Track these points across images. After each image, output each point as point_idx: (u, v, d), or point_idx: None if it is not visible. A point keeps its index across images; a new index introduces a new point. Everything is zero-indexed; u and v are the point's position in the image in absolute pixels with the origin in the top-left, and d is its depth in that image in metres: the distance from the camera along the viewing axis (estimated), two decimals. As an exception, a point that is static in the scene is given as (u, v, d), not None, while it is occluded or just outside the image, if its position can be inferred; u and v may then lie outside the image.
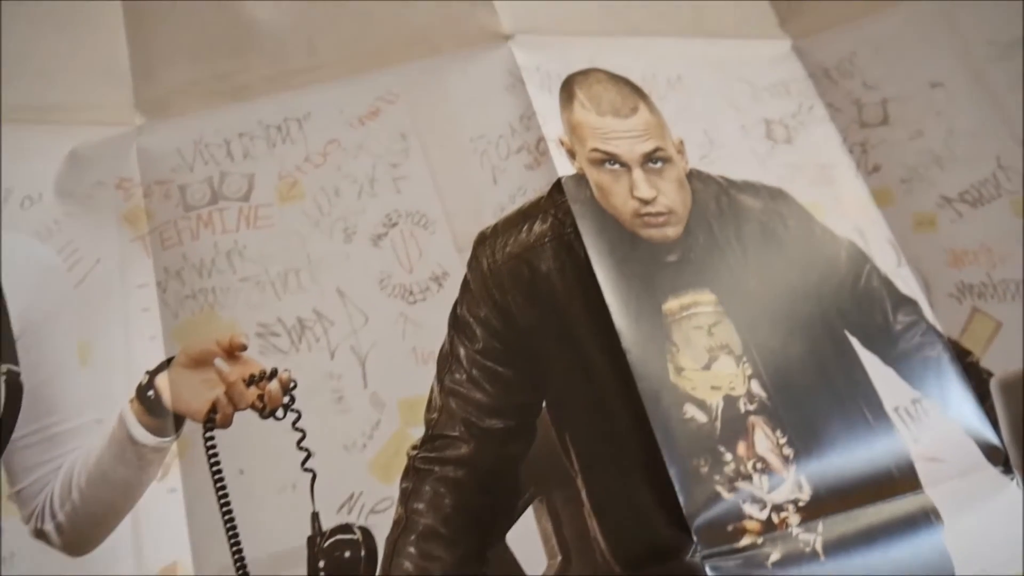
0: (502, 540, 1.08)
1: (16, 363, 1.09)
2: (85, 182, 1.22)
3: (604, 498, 1.08)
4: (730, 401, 1.14)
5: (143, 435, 1.08)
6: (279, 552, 1.04)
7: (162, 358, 1.13)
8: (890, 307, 1.29)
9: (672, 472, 1.06)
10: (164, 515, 1.05)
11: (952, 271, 1.31)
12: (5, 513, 1.02)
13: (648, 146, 1.29)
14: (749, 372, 1.17)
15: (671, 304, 1.19)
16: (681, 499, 1.05)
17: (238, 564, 1.04)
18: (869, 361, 1.24)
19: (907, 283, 1.31)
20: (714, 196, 1.31)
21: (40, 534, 1.06)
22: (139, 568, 1.01)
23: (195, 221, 1.20)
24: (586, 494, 1.09)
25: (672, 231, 1.26)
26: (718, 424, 1.12)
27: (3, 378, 1.07)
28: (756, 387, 1.16)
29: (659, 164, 1.28)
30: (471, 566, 1.06)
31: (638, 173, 1.27)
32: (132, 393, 1.09)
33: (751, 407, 1.14)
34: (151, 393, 1.10)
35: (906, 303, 1.30)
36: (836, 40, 1.49)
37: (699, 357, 1.16)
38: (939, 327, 1.28)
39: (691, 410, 1.12)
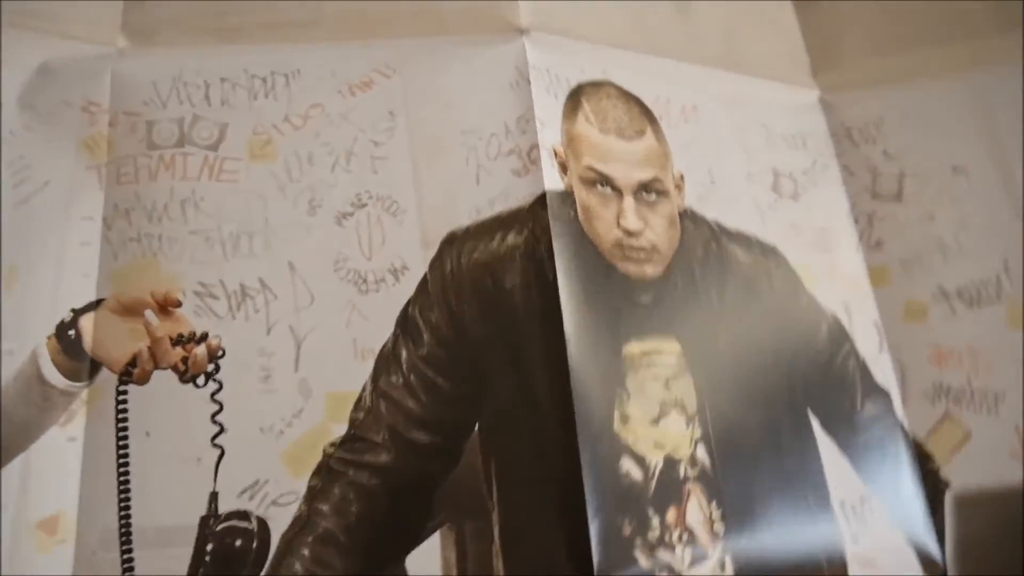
0: (401, 561, 1.04)
1: (-65, 273, 1.04)
2: (51, 98, 1.16)
3: (514, 539, 1.03)
4: (671, 463, 1.10)
5: (54, 375, 1.03)
6: (169, 526, 1.00)
7: (92, 298, 1.09)
8: (860, 394, 1.24)
9: (593, 527, 1.02)
10: (58, 463, 1.01)
11: (932, 368, 1.26)
12: None
13: (646, 174, 1.24)
14: (698, 435, 1.13)
15: (632, 348, 1.15)
16: (595, 556, 1.01)
17: (123, 531, 1.00)
18: (825, 445, 1.20)
19: (884, 371, 1.26)
20: (703, 241, 1.26)
21: (-77, 459, 1.03)
22: (20, 511, 0.98)
23: (156, 161, 1.14)
24: (498, 531, 1.05)
25: (652, 269, 1.21)
26: (653, 484, 1.08)
27: (-83, 286, 1.03)
28: (701, 452, 1.12)
29: (653, 196, 1.23)
30: (364, 582, 1.02)
31: (629, 202, 1.22)
32: (52, 329, 1.05)
33: (691, 473, 1.10)
34: (72, 332, 1.05)
35: (878, 393, 1.25)
36: (866, 101, 1.43)
37: (649, 409, 1.12)
38: (906, 424, 1.24)
39: (628, 465, 1.08)
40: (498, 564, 1.03)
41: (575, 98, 1.28)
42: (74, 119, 1.16)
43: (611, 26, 1.36)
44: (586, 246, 1.17)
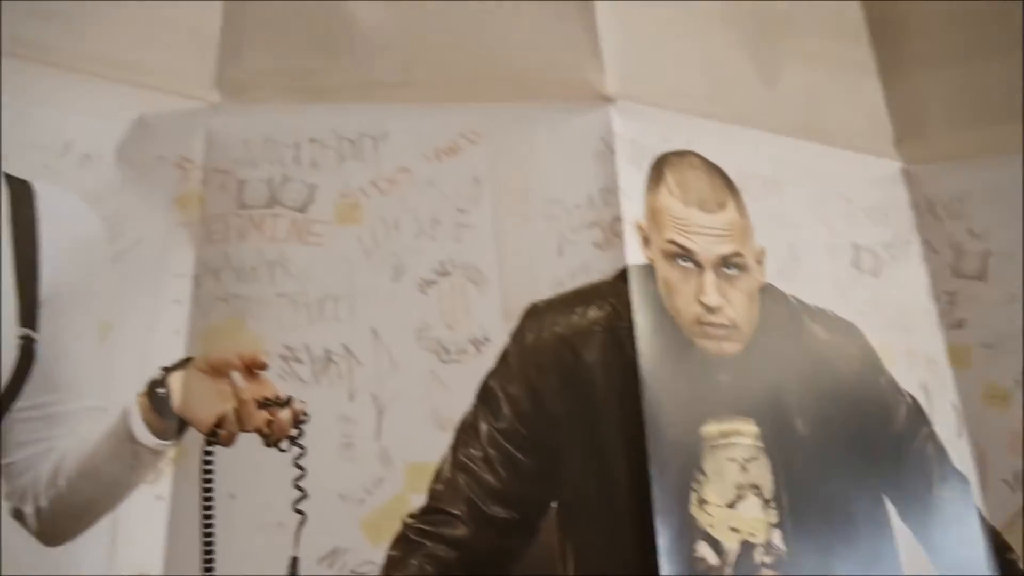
0: (477, 638, 1.05)
1: (35, 329, 1.07)
2: (147, 153, 1.19)
3: (592, 621, 1.05)
4: (747, 548, 1.09)
5: (144, 434, 1.05)
6: (250, 589, 1.02)
7: (181, 356, 1.11)
8: (937, 479, 1.23)
9: (672, 611, 1.03)
10: (146, 521, 1.03)
11: (1012, 458, 1.24)
12: (-14, 485, 1.02)
13: (727, 249, 1.24)
14: (774, 520, 1.12)
15: (711, 428, 1.15)
16: None
17: (206, 592, 1.02)
18: (899, 530, 1.19)
19: (962, 457, 1.24)
20: (783, 318, 1.25)
21: (18, 515, 1.03)
22: (109, 569, 1.00)
23: (247, 221, 1.17)
24: (574, 612, 1.06)
25: (731, 347, 1.20)
26: (728, 570, 1.08)
27: (19, 343, 1.05)
28: (777, 538, 1.11)
29: (733, 271, 1.23)
30: (438, 656, 1.03)
31: (709, 276, 1.22)
32: (143, 387, 1.07)
33: (767, 560, 1.09)
34: (162, 390, 1.07)
35: (955, 477, 1.24)
36: (952, 174, 1.41)
37: (726, 493, 1.12)
38: (984, 511, 1.22)
39: (703, 549, 1.08)
40: (573, 646, 1.03)
41: (658, 168, 1.28)
42: (168, 175, 1.18)
43: (695, 95, 1.36)
44: (666, 322, 1.17)
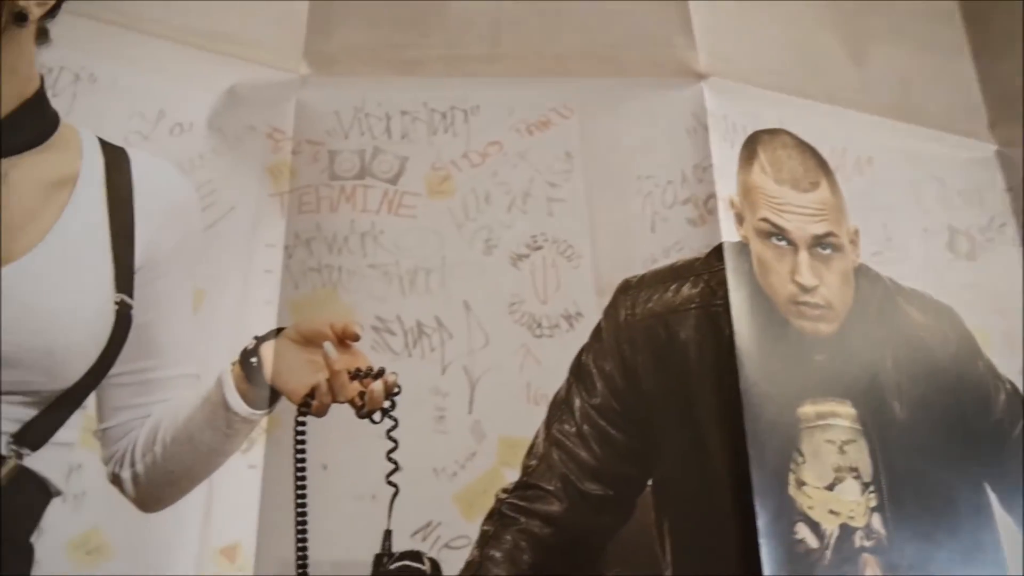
0: (573, 615, 1.03)
1: (131, 295, 1.05)
2: (238, 123, 1.18)
3: (690, 601, 1.02)
4: (846, 531, 1.06)
5: (237, 402, 1.04)
6: (343, 561, 1.00)
7: (273, 326, 1.09)
8: (1039, 468, 1.19)
9: (772, 593, 1.00)
10: (239, 490, 1.02)
11: (1117, 448, 1.20)
12: (87, 448, 1.01)
13: (821, 228, 1.21)
14: (873, 504, 1.08)
15: (807, 409, 1.11)
16: None
17: (300, 563, 1.00)
18: (1002, 522, 1.15)
19: (1062, 446, 1.21)
20: (878, 299, 1.21)
21: (116, 480, 1.02)
22: (203, 539, 0.99)
23: (338, 192, 1.15)
24: (672, 592, 1.03)
25: (826, 327, 1.17)
26: (828, 554, 1.05)
27: (115, 308, 1.04)
28: (877, 522, 1.08)
29: (828, 251, 1.19)
30: (534, 633, 1.01)
31: (804, 256, 1.18)
32: (236, 356, 1.06)
33: (867, 544, 1.06)
34: (254, 360, 1.06)
35: (1057, 468, 1.20)
36: (1047, 157, 1.37)
37: (824, 475, 1.08)
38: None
39: (803, 531, 1.05)
40: (671, 626, 1.01)
41: (751, 147, 1.25)
42: (259, 145, 1.17)
43: (785, 73, 1.32)
44: (761, 300, 1.14)
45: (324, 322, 1.05)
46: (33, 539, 0.94)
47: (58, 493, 0.99)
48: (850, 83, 1.35)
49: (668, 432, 1.07)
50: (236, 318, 1.08)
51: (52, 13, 1.07)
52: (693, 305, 1.12)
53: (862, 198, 1.25)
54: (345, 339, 1.05)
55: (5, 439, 0.96)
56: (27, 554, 0.95)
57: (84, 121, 1.07)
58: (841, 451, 1.09)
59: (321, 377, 1.03)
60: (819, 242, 1.18)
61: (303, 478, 1.02)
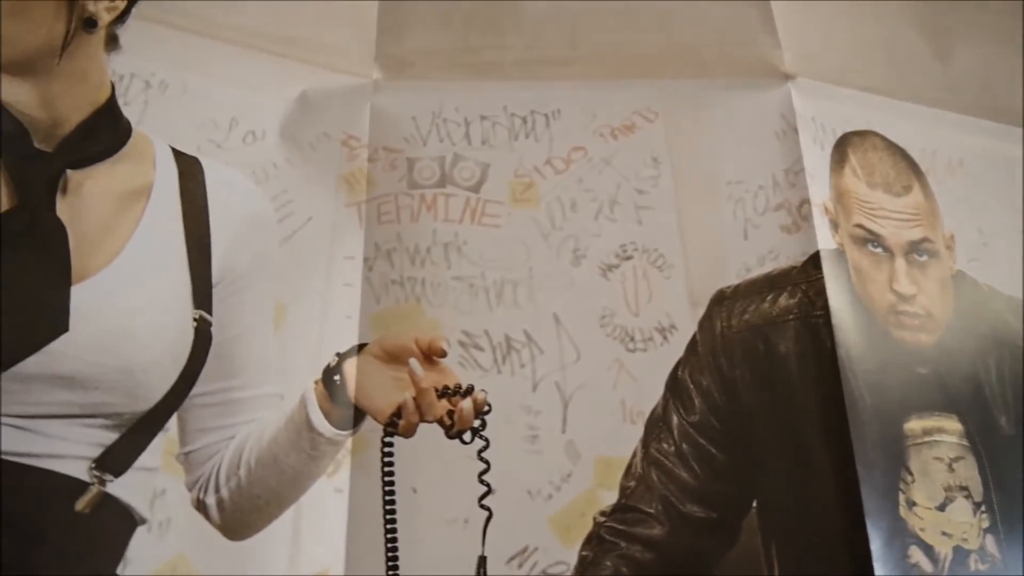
0: (681, 646, 0.97)
1: (210, 312, 1.00)
2: (311, 130, 1.12)
3: (802, 631, 0.96)
4: (961, 555, 1.00)
5: (321, 422, 0.98)
6: (436, 589, 0.95)
7: (355, 342, 1.04)
8: None
9: (888, 624, 0.93)
10: (326, 515, 0.96)
11: None
12: (170, 473, 0.95)
13: (916, 234, 1.14)
14: (986, 524, 1.02)
15: (913, 425, 1.05)
16: None
17: (392, 592, 0.95)
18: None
19: None
20: (978, 308, 1.14)
21: (200, 506, 0.97)
22: (292, 567, 0.93)
23: (418, 201, 1.09)
24: (783, 621, 0.97)
25: (927, 338, 1.11)
26: (943, 578, 0.99)
27: (194, 324, 0.99)
28: (991, 544, 1.01)
29: (924, 257, 1.13)
30: (640, 665, 0.95)
31: (900, 263, 1.12)
32: (318, 374, 1.01)
33: (982, 567, 1.00)
34: (337, 378, 1.00)
35: None
36: None
37: (935, 495, 1.02)
38: None
39: (916, 555, 0.99)
40: (784, 657, 0.95)
41: (841, 149, 1.18)
42: (334, 153, 1.11)
43: (871, 72, 1.25)
44: (861, 310, 1.08)
45: (409, 337, 0.99)
46: (119, 570, 0.89)
47: (143, 521, 0.94)
48: (935, 82, 1.28)
49: (771, 450, 1.00)
50: (317, 334, 1.02)
51: (122, 18, 1.02)
52: (791, 316, 1.06)
53: (955, 202, 1.18)
54: (431, 355, 0.99)
55: (87, 465, 0.92)
56: (115, 587, 0.91)
57: (156, 130, 1.02)
58: (950, 469, 1.03)
59: (407, 395, 0.97)
60: (915, 248, 1.12)
61: (392, 502, 0.96)
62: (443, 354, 1.01)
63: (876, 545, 0.94)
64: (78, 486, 0.91)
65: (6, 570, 0.86)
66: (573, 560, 0.96)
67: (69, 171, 0.97)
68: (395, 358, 1.00)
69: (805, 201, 1.10)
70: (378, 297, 1.04)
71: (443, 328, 1.03)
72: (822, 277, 1.06)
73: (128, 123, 1.04)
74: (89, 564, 0.90)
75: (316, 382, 1.00)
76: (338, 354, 1.02)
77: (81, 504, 0.91)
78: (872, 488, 0.97)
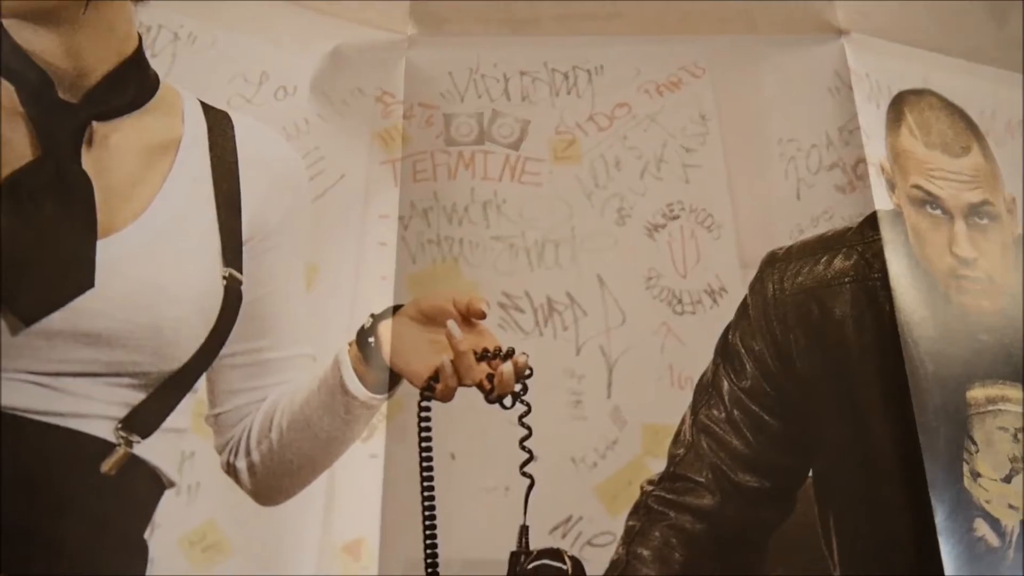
0: (733, 621, 0.92)
1: (240, 269, 0.95)
2: (344, 86, 1.06)
3: (863, 607, 0.90)
4: (1029, 529, 0.94)
5: (356, 385, 0.93)
6: (475, 559, 0.89)
7: (390, 303, 0.98)
8: None
9: (955, 599, 0.88)
10: (360, 482, 0.91)
11: None
12: (199, 435, 0.91)
13: (976, 196, 1.08)
14: (1055, 498, 0.97)
15: (976, 393, 0.99)
16: None
17: (429, 562, 0.89)
18: None
19: None
20: (1041, 274, 1.09)
21: (231, 469, 0.92)
22: (325, 535, 0.88)
23: (455, 158, 1.04)
24: (842, 596, 0.92)
25: (989, 304, 1.04)
26: (1010, 553, 0.92)
27: (224, 282, 0.94)
28: (1061, 518, 0.96)
29: (984, 220, 1.06)
30: (691, 640, 0.90)
31: (960, 226, 1.06)
32: (352, 335, 0.96)
33: (1053, 542, 0.94)
34: (371, 340, 0.95)
35: None
36: None
37: (1000, 466, 0.96)
38: None
39: (982, 528, 0.93)
40: (844, 634, 0.89)
41: (897, 107, 1.11)
42: (368, 109, 1.06)
43: (926, 29, 1.19)
44: (920, 274, 1.02)
45: (446, 298, 0.94)
46: (147, 535, 0.85)
47: (171, 484, 0.90)
48: (992, 40, 1.21)
49: (827, 418, 0.94)
50: (350, 295, 0.97)
51: (150, -32, 0.98)
52: (847, 279, 0.99)
53: (1016, 165, 1.12)
54: (470, 317, 0.93)
55: (112, 425, 0.87)
56: (142, 552, 0.85)
57: (184, 83, 0.97)
58: (1015, 439, 0.97)
59: (445, 358, 0.92)
60: (975, 211, 1.05)
61: (429, 468, 0.91)
62: (482, 316, 0.95)
63: (940, 518, 0.88)
64: (104, 447, 0.87)
65: (29, 533, 0.82)
66: (619, 530, 0.90)
67: (95, 123, 0.93)
68: (432, 320, 0.95)
69: (861, 160, 1.04)
70: (414, 257, 0.99)
71: (482, 289, 0.97)
72: (879, 239, 1.00)
73: (156, 75, 0.99)
74: (116, 528, 0.85)
75: (350, 344, 0.95)
76: (372, 315, 0.97)
77: (107, 466, 0.86)
78: (935, 458, 0.91)
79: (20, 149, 0.90)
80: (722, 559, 0.90)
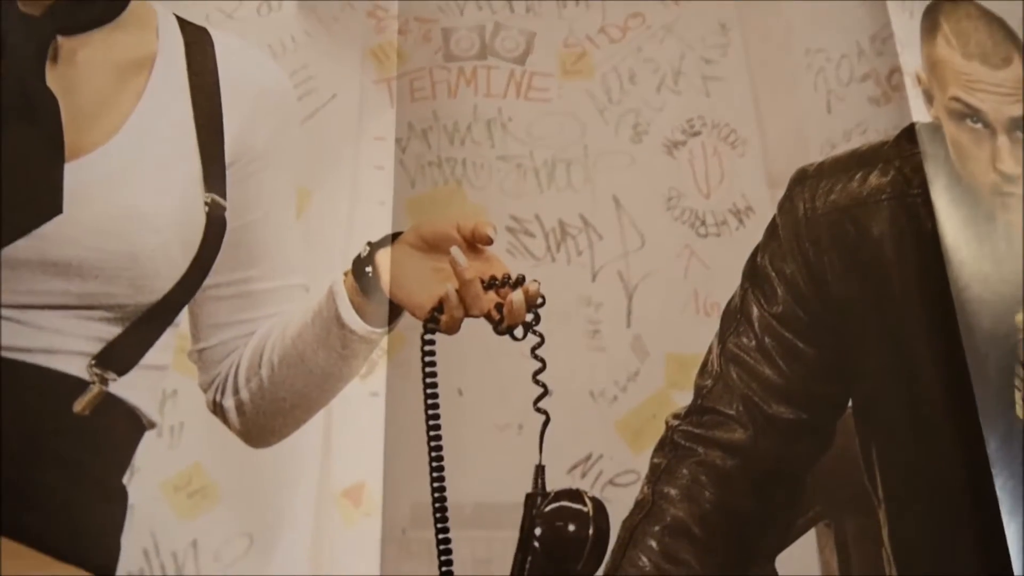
0: (770, 563, 0.84)
1: (223, 194, 0.87)
2: (333, 1, 0.99)
3: (910, 543, 0.81)
4: (1084, 459, 0.87)
5: (353, 318, 0.85)
6: (487, 503, 0.82)
7: (388, 230, 0.91)
8: None
9: (1009, 531, 0.81)
10: (360, 422, 0.83)
11: None
12: (181, 373, 0.83)
13: (1018, 110, 0.99)
14: (1113, 426, 0.89)
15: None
16: (1017, 567, 0.80)
17: (437, 506, 0.82)
18: None
19: None
20: (1089, 192, 1.02)
21: (217, 409, 0.84)
22: (322, 479, 0.81)
23: (455, 74, 0.95)
24: (887, 532, 0.83)
25: (1034, 222, 0.97)
26: (1068, 484, 0.86)
27: (205, 208, 0.86)
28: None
29: (1028, 135, 1.00)
30: (725, 584, 0.83)
31: (1003, 140, 0.98)
32: (348, 264, 0.88)
33: (1111, 475, 0.87)
34: (369, 269, 0.87)
35: None
36: None
37: (1053, 393, 0.89)
38: None
39: (1038, 458, 0.86)
40: (891, 571, 0.82)
41: (932, 16, 1.03)
42: (359, 25, 0.97)
43: (960, -66, 1.12)
44: (962, 190, 0.94)
45: (449, 223, 0.85)
46: (125, 480, 0.77)
47: (151, 425, 0.82)
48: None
49: (866, 344, 0.87)
50: (346, 222, 0.89)
51: None
52: (884, 196, 0.91)
53: (1059, 76, 1.05)
54: (476, 242, 0.85)
55: (86, 361, 0.80)
56: (120, 497, 0.78)
57: (159, -3, 0.89)
58: (1070, 365, 0.90)
59: (450, 287, 0.83)
60: (1018, 126, 0.97)
61: (435, 406, 0.83)
62: (489, 241, 0.87)
63: (992, 447, 0.80)
64: (77, 385, 0.78)
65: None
66: (643, 468, 0.83)
67: (60, 38, 0.85)
68: (434, 247, 0.87)
69: (896, 70, 0.96)
70: (413, 181, 0.91)
71: (488, 213, 0.89)
72: (919, 152, 0.92)
73: (125, -14, 0.91)
74: (91, 471, 0.77)
75: (345, 274, 0.87)
76: (369, 243, 0.88)
77: (80, 405, 0.78)
78: (984, 385, 0.83)
79: (-22, 65, 0.82)
80: (756, 496, 0.83)
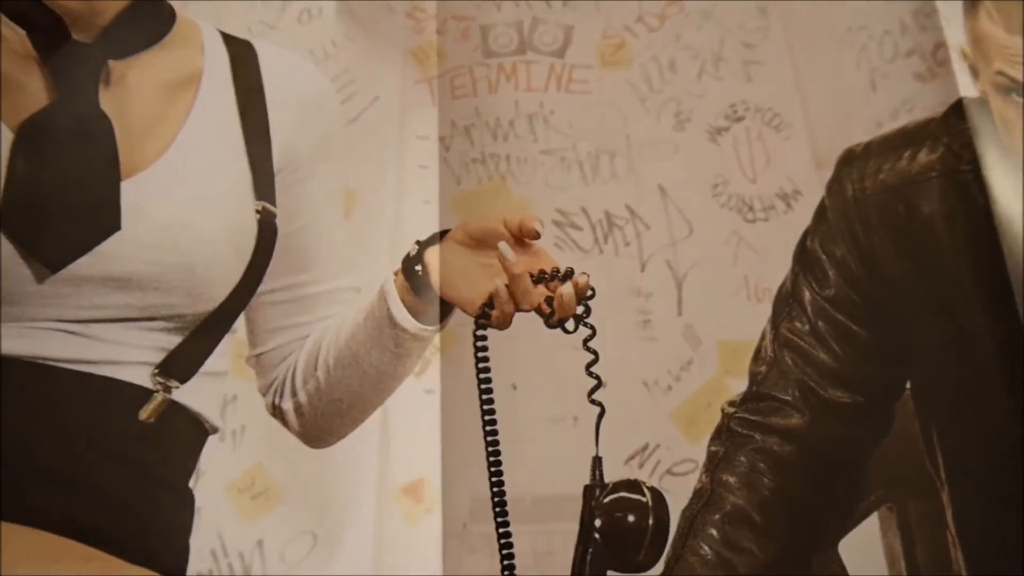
0: (832, 548, 0.83)
1: (273, 202, 0.88)
2: (371, 4, 0.99)
3: (975, 525, 0.80)
4: None
5: (404, 317, 0.86)
6: (545, 495, 0.81)
7: (435, 228, 0.91)
8: None
9: (1075, 513, 0.79)
10: (416, 419, 0.84)
11: None
12: (241, 378, 0.84)
13: (1065, 82, 0.98)
14: None
15: (1084, 290, 0.89)
16: None
17: (496, 500, 0.82)
18: None
19: None
20: None
21: (277, 411, 0.85)
22: (382, 476, 0.81)
23: (495, 71, 0.95)
24: (951, 514, 0.82)
25: (1087, 194, 0.95)
26: None
27: (257, 216, 0.87)
28: None
29: (1078, 107, 0.97)
30: (788, 571, 0.82)
31: (1051, 113, 0.96)
32: (398, 264, 0.88)
33: None
34: (419, 268, 0.87)
35: None
36: None
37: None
38: None
39: (1102, 433, 0.84)
40: (957, 556, 0.80)
41: (975, -10, 1.02)
42: (399, 27, 0.97)
43: (1000, -97, 1.09)
44: (1013, 165, 0.92)
45: (496, 219, 0.84)
46: (192, 483, 0.78)
47: (214, 430, 0.83)
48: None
49: (921, 324, 0.85)
50: (392, 221, 0.90)
51: None
52: (934, 173, 0.89)
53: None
54: (523, 237, 0.84)
55: (149, 371, 0.81)
56: (188, 501, 0.79)
57: (201, 14, 0.89)
58: None
59: (499, 283, 0.83)
60: (1064, 98, 0.95)
61: (490, 401, 0.82)
62: (536, 235, 0.86)
63: (1055, 423, 0.79)
64: (142, 394, 0.79)
65: (72, 484, 0.76)
66: (701, 457, 0.82)
67: (111, 62, 0.86)
68: (482, 243, 0.86)
69: (940, 45, 0.93)
70: (458, 178, 0.91)
71: (534, 207, 0.89)
72: (968, 128, 0.89)
73: (171, 8, 0.92)
74: (158, 477, 0.78)
75: (395, 273, 0.87)
76: (418, 242, 0.89)
77: (145, 413, 0.79)
78: (1046, 363, 0.81)
79: (36, 94, 0.83)
80: (815, 482, 0.82)
